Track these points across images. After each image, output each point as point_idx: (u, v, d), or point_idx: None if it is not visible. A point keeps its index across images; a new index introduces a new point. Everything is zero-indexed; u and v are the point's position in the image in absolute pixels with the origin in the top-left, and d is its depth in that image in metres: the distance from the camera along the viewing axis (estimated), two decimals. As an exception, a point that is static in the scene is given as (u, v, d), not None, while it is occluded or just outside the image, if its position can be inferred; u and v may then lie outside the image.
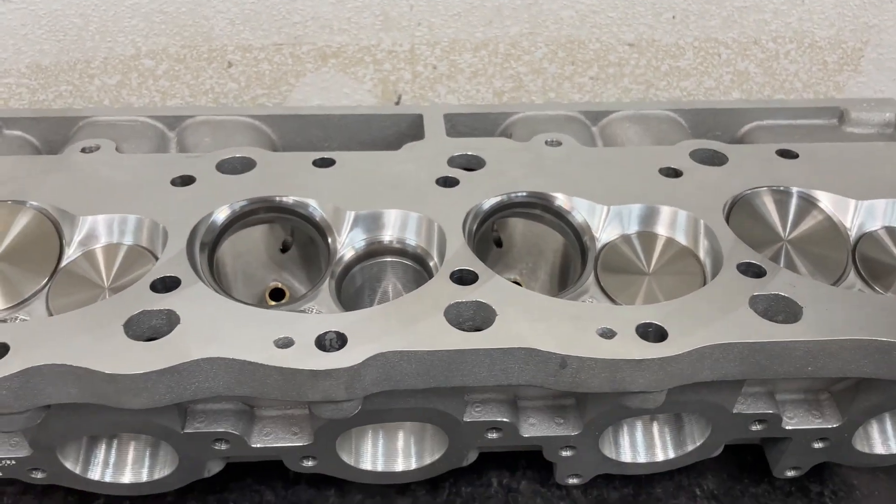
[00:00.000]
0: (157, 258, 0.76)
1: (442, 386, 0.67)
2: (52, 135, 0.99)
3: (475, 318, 0.69)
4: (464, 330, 0.67)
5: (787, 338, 0.66)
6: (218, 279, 0.86)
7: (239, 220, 0.81)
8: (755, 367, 0.67)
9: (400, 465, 0.82)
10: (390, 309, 0.68)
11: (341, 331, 0.66)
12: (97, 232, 0.78)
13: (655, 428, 0.85)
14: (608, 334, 0.66)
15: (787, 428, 0.80)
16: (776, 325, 0.68)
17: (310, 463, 0.80)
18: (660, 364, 0.65)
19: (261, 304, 0.89)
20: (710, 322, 0.68)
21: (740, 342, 0.66)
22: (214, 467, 0.82)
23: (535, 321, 0.67)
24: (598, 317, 0.68)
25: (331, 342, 0.66)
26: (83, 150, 0.89)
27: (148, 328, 0.68)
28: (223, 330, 0.66)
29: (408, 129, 1.01)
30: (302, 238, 0.89)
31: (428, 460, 0.82)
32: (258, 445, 0.77)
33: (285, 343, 0.65)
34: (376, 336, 0.65)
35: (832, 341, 0.67)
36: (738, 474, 0.92)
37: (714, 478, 0.92)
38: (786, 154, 0.91)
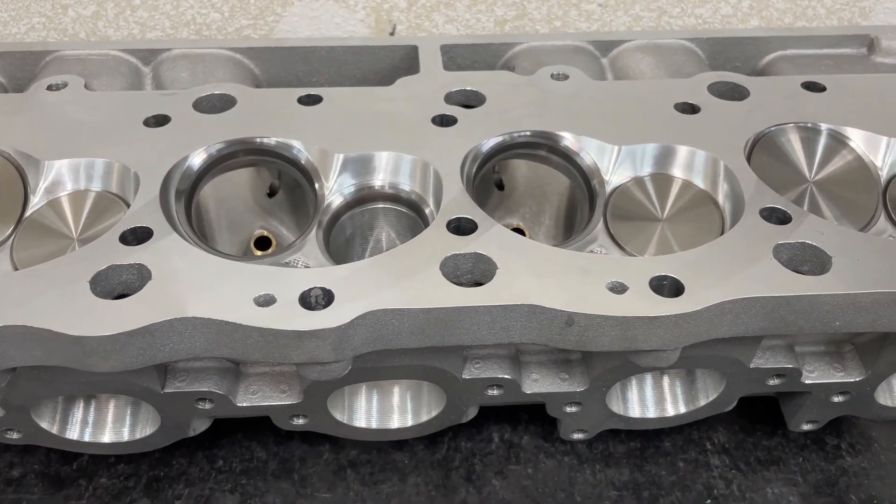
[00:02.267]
0: (129, 206, 0.70)
1: (438, 345, 0.62)
2: (18, 71, 0.92)
3: (474, 271, 0.64)
4: (462, 285, 0.62)
5: (815, 291, 0.61)
6: (200, 226, 0.80)
7: (217, 165, 0.74)
8: (779, 322, 0.62)
9: (395, 422, 0.78)
10: (381, 262, 0.63)
11: (328, 287, 0.60)
12: (63, 178, 0.72)
13: (666, 382, 0.80)
14: (619, 289, 0.61)
15: (806, 382, 0.75)
16: (803, 278, 0.62)
17: (300, 421, 0.76)
18: (675, 321, 0.59)
19: (246, 253, 0.84)
20: (731, 274, 0.62)
21: (764, 296, 0.60)
22: (200, 426, 0.78)
23: (538, 275, 0.62)
24: (607, 269, 0.62)
25: (316, 299, 0.60)
26: (49, 88, 0.83)
27: (118, 284, 0.62)
28: (199, 286, 0.60)
29: (401, 63, 0.94)
30: (290, 181, 0.82)
31: (425, 417, 0.78)
32: (244, 404, 0.72)
33: (267, 300, 0.59)
34: (366, 292, 0.60)
35: (863, 294, 0.61)
36: (749, 426, 0.88)
37: (725, 430, 0.88)
38: (812, 87, 0.84)
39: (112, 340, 0.57)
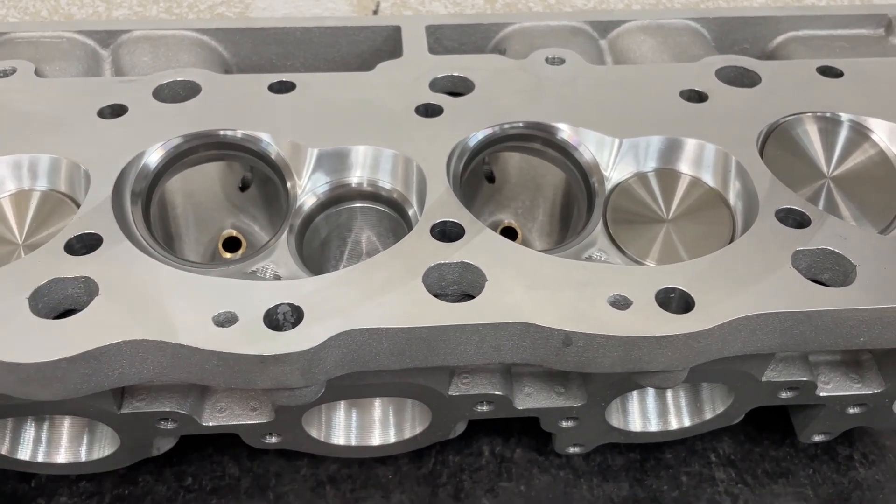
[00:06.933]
0: (79, 206, 0.63)
1: (420, 366, 0.55)
2: (-35, 55, 0.85)
3: (461, 282, 0.58)
4: (447, 298, 0.56)
5: (840, 305, 0.55)
6: (165, 223, 0.74)
7: (177, 162, 0.67)
8: (798, 339, 0.56)
9: (377, 439, 0.72)
10: (356, 273, 0.56)
11: (296, 303, 0.54)
12: (4, 177, 0.65)
13: (669, 393, 0.74)
14: (621, 303, 0.55)
15: (821, 395, 0.70)
16: (825, 290, 0.56)
17: (273, 439, 0.70)
18: (684, 340, 0.53)
19: (213, 256, 0.77)
20: (746, 286, 0.56)
21: (782, 312, 0.54)
22: (164, 445, 0.72)
23: (532, 288, 0.55)
24: (608, 280, 0.56)
25: (284, 317, 0.54)
26: (-5, 75, 0.75)
27: (63, 298, 0.56)
28: (152, 302, 0.54)
29: (384, 45, 0.87)
30: (262, 174, 0.76)
31: (409, 433, 0.72)
32: (211, 423, 0.66)
33: (227, 319, 0.53)
34: (339, 309, 0.54)
35: (892, 309, 0.55)
36: (756, 435, 0.82)
37: (730, 440, 0.82)
38: (828, 72, 0.78)
39: (52, 367, 0.50)
